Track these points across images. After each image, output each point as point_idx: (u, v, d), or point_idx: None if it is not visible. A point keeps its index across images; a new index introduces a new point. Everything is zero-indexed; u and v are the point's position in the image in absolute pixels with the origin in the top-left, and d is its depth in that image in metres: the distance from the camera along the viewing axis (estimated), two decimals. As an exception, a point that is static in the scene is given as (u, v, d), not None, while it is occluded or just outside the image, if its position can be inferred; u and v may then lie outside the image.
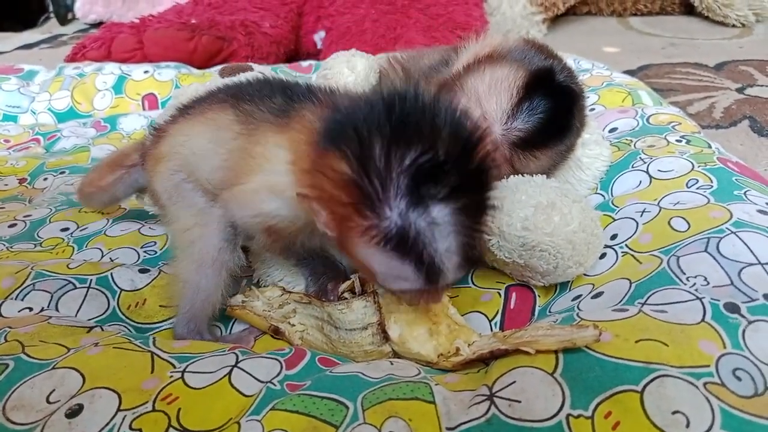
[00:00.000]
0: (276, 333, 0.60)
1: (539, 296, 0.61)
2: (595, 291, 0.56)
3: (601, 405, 0.40)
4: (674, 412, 0.39)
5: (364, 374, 0.46)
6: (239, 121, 0.56)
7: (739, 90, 1.43)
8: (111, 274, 0.66)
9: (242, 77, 0.76)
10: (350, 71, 0.76)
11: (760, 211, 0.57)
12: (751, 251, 0.51)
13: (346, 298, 0.57)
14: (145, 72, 1.30)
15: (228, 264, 0.58)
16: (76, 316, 0.61)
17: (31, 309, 0.59)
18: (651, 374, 0.41)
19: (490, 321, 0.59)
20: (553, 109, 0.64)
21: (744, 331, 0.44)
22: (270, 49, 1.66)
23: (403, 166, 0.41)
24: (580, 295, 0.57)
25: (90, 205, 0.80)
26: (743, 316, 0.45)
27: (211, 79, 0.99)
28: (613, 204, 0.68)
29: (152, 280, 0.66)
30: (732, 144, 1.15)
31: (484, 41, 0.71)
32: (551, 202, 0.56)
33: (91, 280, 0.64)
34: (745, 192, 0.61)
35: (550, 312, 0.58)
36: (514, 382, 0.43)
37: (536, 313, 0.60)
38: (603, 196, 0.72)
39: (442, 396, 0.44)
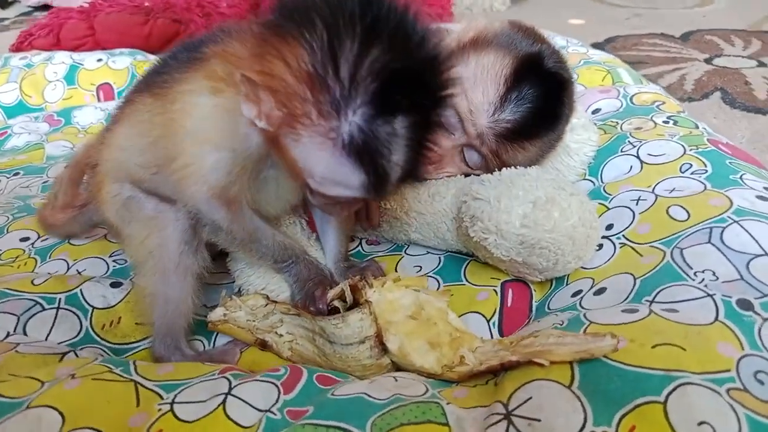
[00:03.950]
0: (263, 346, 0.56)
1: (535, 291, 0.59)
2: (597, 286, 0.54)
3: (624, 419, 0.38)
4: (700, 423, 0.37)
5: (369, 395, 0.43)
6: (155, 96, 0.51)
7: (707, 60, 1.43)
8: (80, 290, 0.61)
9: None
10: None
11: (760, 197, 0.56)
12: (756, 241, 0.50)
13: (337, 308, 0.53)
14: (99, 60, 1.22)
15: (192, 267, 0.55)
16: (46, 340, 0.57)
17: (-5, 334, 0.54)
18: (672, 383, 0.39)
19: (488, 321, 0.56)
20: (542, 97, 0.61)
21: (760, 330, 0.42)
22: (229, 29, 1.59)
23: (374, 68, 0.38)
24: (581, 291, 0.55)
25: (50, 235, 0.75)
26: (758, 314, 0.44)
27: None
28: (605, 191, 0.66)
29: (126, 295, 0.61)
30: (706, 117, 1.14)
31: (467, 25, 0.68)
32: (550, 197, 0.53)
33: (59, 299, 0.60)
34: (741, 176, 0.60)
35: (549, 309, 0.56)
36: (531, 397, 0.40)
37: (534, 309, 0.58)
38: (593, 182, 0.70)
39: (456, 416, 0.41)
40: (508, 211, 0.53)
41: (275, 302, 0.58)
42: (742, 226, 0.52)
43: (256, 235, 0.55)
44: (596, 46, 1.56)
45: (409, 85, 0.39)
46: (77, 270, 0.68)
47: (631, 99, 0.82)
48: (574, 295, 0.56)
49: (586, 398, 0.39)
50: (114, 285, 0.63)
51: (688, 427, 0.37)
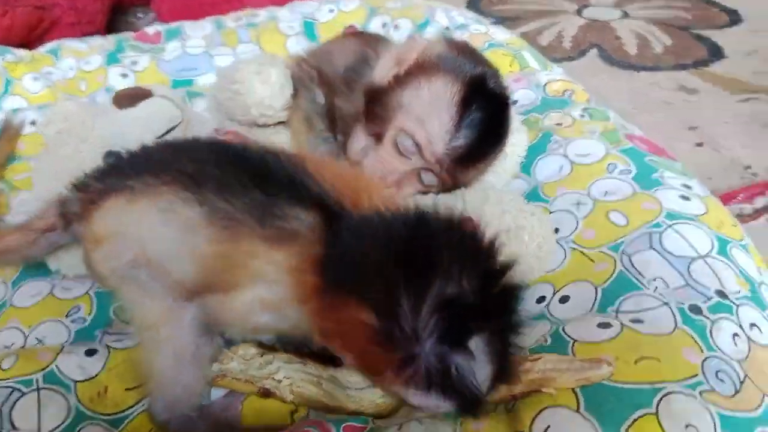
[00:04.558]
0: (267, 394, 0.59)
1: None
2: (560, 294, 0.62)
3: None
4: (687, 426, 0.45)
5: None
6: (210, 222, 0.50)
7: (578, 12, 1.54)
8: (56, 366, 0.58)
9: (154, 107, 0.68)
10: (262, 84, 0.70)
11: (683, 197, 0.65)
12: (690, 245, 0.59)
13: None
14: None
15: (208, 354, 0.55)
16: (39, 430, 0.55)
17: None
18: (658, 394, 0.47)
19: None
20: (489, 119, 0.66)
21: (711, 332, 0.52)
22: (95, 6, 1.46)
23: (432, 306, 0.40)
24: (544, 297, 0.63)
25: None
26: (707, 317, 0.53)
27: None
28: (543, 193, 0.73)
29: (105, 363, 0.60)
30: (586, 78, 1.24)
31: (407, 45, 0.70)
32: (519, 224, 0.59)
33: (36, 379, 0.57)
34: (661, 174, 0.69)
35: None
36: (549, 426, 0.47)
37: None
38: (526, 181, 0.76)
39: (486, 452, 0.47)
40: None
41: (273, 351, 0.60)
42: (675, 231, 0.61)
43: None
44: (470, 4, 1.61)
45: (471, 307, 0.41)
46: (36, 338, 0.64)
47: (544, 89, 0.89)
48: (539, 301, 0.63)
49: (595, 420, 0.47)
50: (89, 353, 0.61)
51: (679, 431, 0.45)
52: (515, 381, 0.46)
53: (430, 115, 0.64)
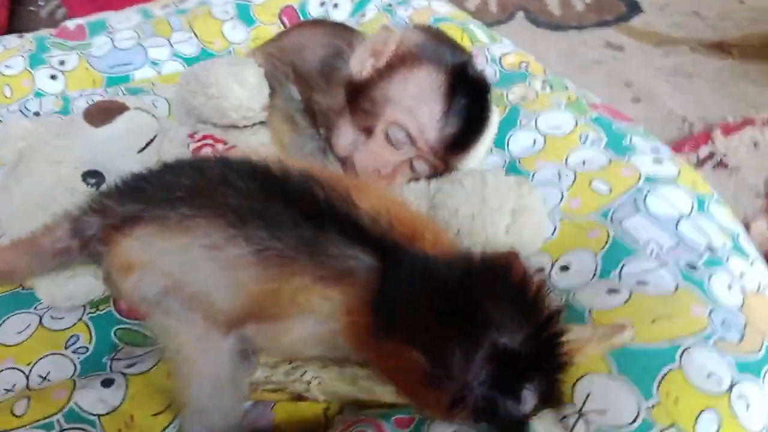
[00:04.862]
0: (300, 399, 0.59)
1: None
2: (559, 263, 0.65)
3: (660, 388, 0.50)
4: (708, 375, 0.50)
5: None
6: (259, 261, 0.48)
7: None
8: (74, 404, 0.56)
9: (133, 121, 0.64)
10: (240, 85, 0.68)
11: (655, 160, 0.70)
12: (673, 206, 0.65)
13: None
14: None
15: (245, 377, 0.55)
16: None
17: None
18: (678, 350, 0.52)
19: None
20: (475, 103, 0.68)
21: (709, 285, 0.57)
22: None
23: (484, 355, 0.42)
24: (543, 268, 0.66)
25: None
26: (702, 272, 0.58)
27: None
28: (522, 167, 0.76)
29: (125, 392, 0.58)
30: (517, 40, 1.28)
31: (379, 36, 0.70)
32: (522, 205, 0.62)
33: (57, 421, 0.55)
34: (630, 139, 0.74)
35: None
36: (590, 393, 0.51)
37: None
38: (500, 155, 0.79)
39: (537, 426, 0.50)
40: (495, 224, 0.61)
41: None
42: (656, 194, 0.66)
43: None
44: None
45: (521, 356, 0.43)
46: (39, 375, 0.61)
47: (500, 63, 0.91)
48: (539, 271, 0.66)
49: (629, 381, 0.51)
50: (106, 384, 0.59)
51: (703, 381, 0.50)
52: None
53: (420, 105, 0.65)
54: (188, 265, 0.50)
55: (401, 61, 0.67)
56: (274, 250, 0.49)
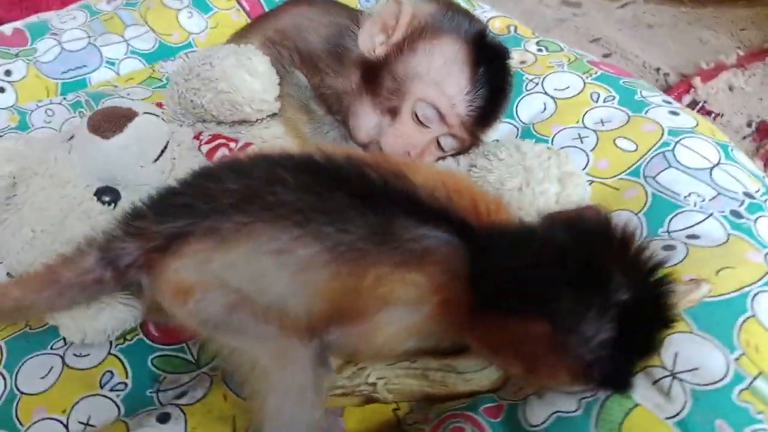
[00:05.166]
0: (369, 401, 0.57)
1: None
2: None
3: (741, 339, 0.51)
4: (779, 318, 0.52)
5: (563, 412, 0.49)
6: (332, 257, 0.45)
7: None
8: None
9: (145, 128, 0.58)
10: (251, 76, 0.62)
11: (672, 113, 0.71)
12: (702, 156, 0.65)
13: None
14: None
15: (324, 385, 0.51)
16: None
17: None
18: (747, 297, 0.52)
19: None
20: (496, 72, 0.66)
21: (756, 230, 0.58)
22: None
23: (608, 311, 0.42)
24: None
25: None
26: (747, 219, 0.59)
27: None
28: (538, 133, 0.75)
29: (185, 425, 0.54)
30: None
31: (387, 10, 0.66)
32: (566, 171, 0.61)
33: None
34: (641, 92, 0.74)
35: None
36: (678, 352, 0.51)
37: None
38: (512, 123, 0.78)
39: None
40: (545, 193, 0.60)
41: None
42: (684, 145, 0.66)
43: None
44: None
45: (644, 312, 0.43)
46: (80, 422, 0.55)
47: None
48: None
49: (712, 335, 0.51)
50: (162, 420, 0.54)
51: (774, 324, 0.51)
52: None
53: (448, 79, 0.63)
54: (257, 274, 0.46)
55: (420, 34, 0.64)
56: (346, 244, 0.45)
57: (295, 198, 0.46)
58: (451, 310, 0.45)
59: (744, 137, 0.91)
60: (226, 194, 0.48)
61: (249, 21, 1.06)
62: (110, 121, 0.56)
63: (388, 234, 0.46)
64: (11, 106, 0.89)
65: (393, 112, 0.64)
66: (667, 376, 0.50)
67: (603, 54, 1.12)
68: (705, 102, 0.95)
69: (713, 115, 0.94)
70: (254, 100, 0.63)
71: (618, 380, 0.45)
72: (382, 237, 0.45)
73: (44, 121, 0.86)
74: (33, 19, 1.03)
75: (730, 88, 0.97)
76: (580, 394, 0.49)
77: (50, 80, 0.93)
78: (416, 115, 0.64)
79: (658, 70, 1.05)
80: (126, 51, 0.98)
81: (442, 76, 0.63)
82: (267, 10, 1.07)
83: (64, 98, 0.90)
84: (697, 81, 0.96)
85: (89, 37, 0.97)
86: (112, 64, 0.97)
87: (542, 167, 0.61)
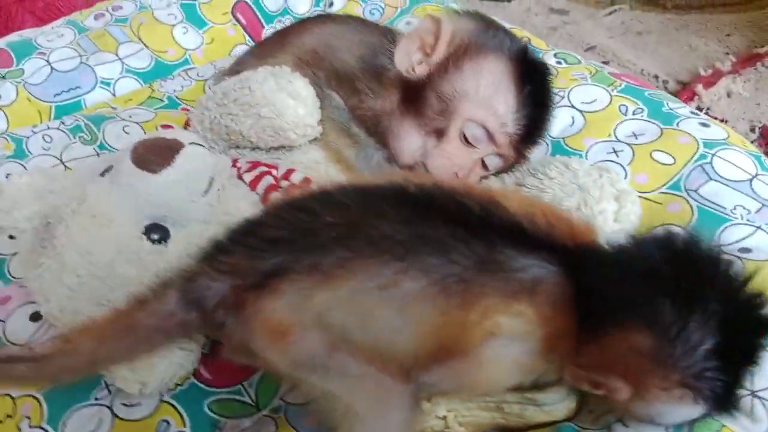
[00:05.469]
0: (444, 437, 0.55)
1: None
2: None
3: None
4: None
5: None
6: (440, 290, 0.43)
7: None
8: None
9: (194, 161, 0.55)
10: (294, 100, 0.60)
11: (702, 124, 0.72)
12: (739, 168, 0.66)
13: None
14: None
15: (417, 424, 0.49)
16: None
17: None
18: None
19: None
20: (540, 89, 0.65)
21: (808, 241, 0.60)
22: None
23: (711, 325, 0.42)
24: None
25: None
26: (796, 229, 0.61)
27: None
28: (570, 147, 0.74)
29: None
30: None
31: (423, 27, 0.64)
32: (620, 189, 0.61)
33: None
34: (667, 104, 0.75)
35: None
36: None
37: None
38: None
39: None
40: (603, 212, 0.59)
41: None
42: (721, 158, 0.67)
43: None
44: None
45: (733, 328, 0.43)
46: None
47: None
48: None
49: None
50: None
51: None
52: None
53: (496, 98, 0.62)
54: (361, 312, 0.44)
55: (464, 52, 0.63)
56: (454, 276, 0.44)
57: (396, 230, 0.44)
58: (557, 342, 0.45)
59: (751, 142, 0.93)
60: (327, 228, 0.45)
61: (245, 33, 1.03)
62: (156, 154, 0.53)
63: (494, 263, 0.44)
64: (3, 133, 0.83)
65: (439, 133, 0.63)
66: (747, 395, 0.50)
67: (602, 62, 1.13)
68: (709, 109, 0.98)
69: (719, 121, 0.96)
70: (299, 126, 0.61)
71: (726, 397, 0.44)
72: (490, 267, 0.44)
73: (42, 148, 0.81)
74: (14, 37, 0.97)
75: (729, 95, 0.99)
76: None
77: (42, 103, 0.88)
78: (464, 136, 0.62)
79: (656, 77, 1.07)
80: (121, 70, 0.94)
81: (490, 96, 0.62)
82: (265, 24, 1.04)
83: (62, 122, 0.85)
84: (700, 88, 0.99)
85: (80, 56, 0.92)
86: (108, 84, 0.93)
87: (597, 185, 0.60)
